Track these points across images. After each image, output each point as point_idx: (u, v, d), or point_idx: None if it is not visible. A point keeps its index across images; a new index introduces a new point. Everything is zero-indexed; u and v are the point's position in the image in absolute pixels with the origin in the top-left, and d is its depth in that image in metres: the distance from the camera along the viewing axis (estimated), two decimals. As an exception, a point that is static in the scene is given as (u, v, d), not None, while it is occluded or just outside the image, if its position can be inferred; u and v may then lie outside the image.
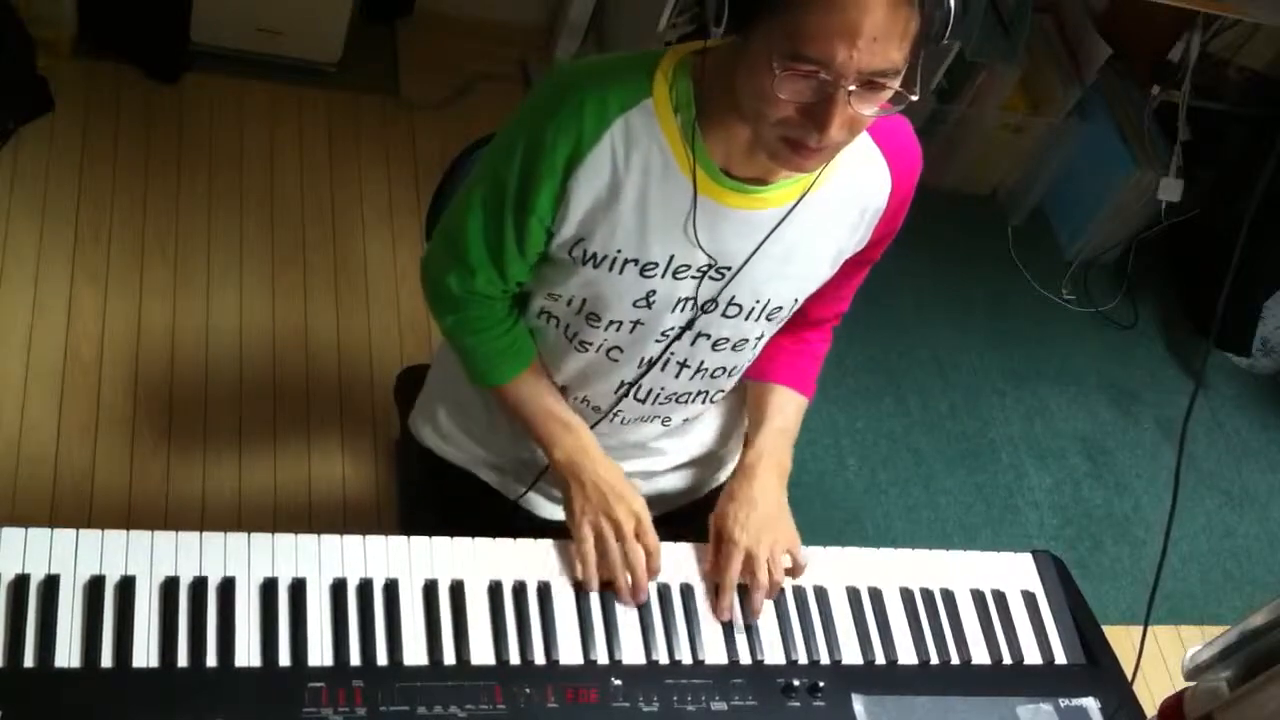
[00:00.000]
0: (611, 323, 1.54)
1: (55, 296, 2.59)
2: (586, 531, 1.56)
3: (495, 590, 1.50)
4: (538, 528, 1.76)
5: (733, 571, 1.57)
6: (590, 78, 1.41)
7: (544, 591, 1.52)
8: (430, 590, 1.47)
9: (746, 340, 1.60)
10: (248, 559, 1.43)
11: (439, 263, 1.58)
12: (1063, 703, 1.60)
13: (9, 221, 2.66)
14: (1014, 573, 1.74)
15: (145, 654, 1.33)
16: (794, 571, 1.62)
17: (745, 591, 1.59)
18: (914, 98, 1.27)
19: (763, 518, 1.61)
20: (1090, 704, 1.62)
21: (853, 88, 1.23)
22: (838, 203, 1.49)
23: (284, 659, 1.37)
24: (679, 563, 1.60)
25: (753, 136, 1.36)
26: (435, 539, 1.52)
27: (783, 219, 1.46)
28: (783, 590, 1.61)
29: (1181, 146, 3.41)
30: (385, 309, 2.82)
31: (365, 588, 1.45)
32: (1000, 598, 1.70)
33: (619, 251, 1.46)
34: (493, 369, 1.63)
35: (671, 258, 1.47)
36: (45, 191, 2.74)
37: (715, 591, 1.58)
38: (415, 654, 1.42)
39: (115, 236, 2.72)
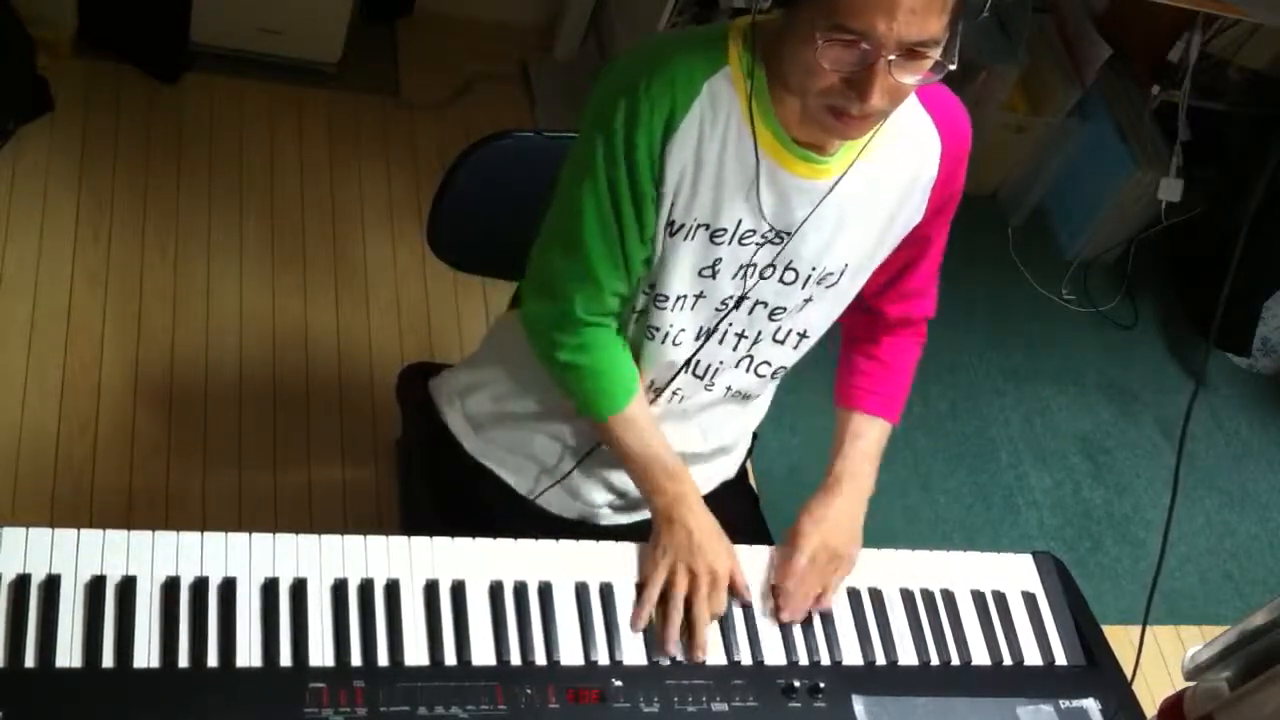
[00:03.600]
0: (678, 299, 1.54)
1: (55, 296, 2.59)
2: (660, 575, 1.54)
3: (496, 590, 1.49)
4: (541, 528, 1.75)
5: (794, 578, 1.58)
6: (673, 48, 1.43)
7: (545, 591, 1.51)
8: (431, 590, 1.47)
9: (801, 309, 1.60)
10: (249, 559, 1.43)
11: (559, 288, 1.55)
12: (1063, 703, 1.60)
13: (9, 221, 2.66)
14: (1014, 573, 1.74)
15: (146, 654, 1.33)
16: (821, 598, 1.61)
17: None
18: (952, 67, 1.31)
19: (835, 527, 1.62)
20: (1090, 705, 1.62)
21: (893, 57, 1.27)
22: (889, 168, 1.51)
23: (285, 659, 1.37)
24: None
25: (800, 108, 1.40)
26: (436, 539, 1.52)
27: (836, 182, 1.48)
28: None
29: (1181, 146, 3.41)
30: (385, 309, 2.82)
31: (366, 588, 1.45)
32: (1000, 598, 1.70)
33: (695, 219, 1.48)
34: (604, 397, 1.60)
35: (739, 223, 1.49)
36: (45, 191, 2.74)
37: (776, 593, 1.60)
38: (416, 654, 1.42)
39: (115, 236, 2.72)
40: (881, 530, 2.85)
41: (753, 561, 1.63)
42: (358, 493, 2.52)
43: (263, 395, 2.59)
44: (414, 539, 1.51)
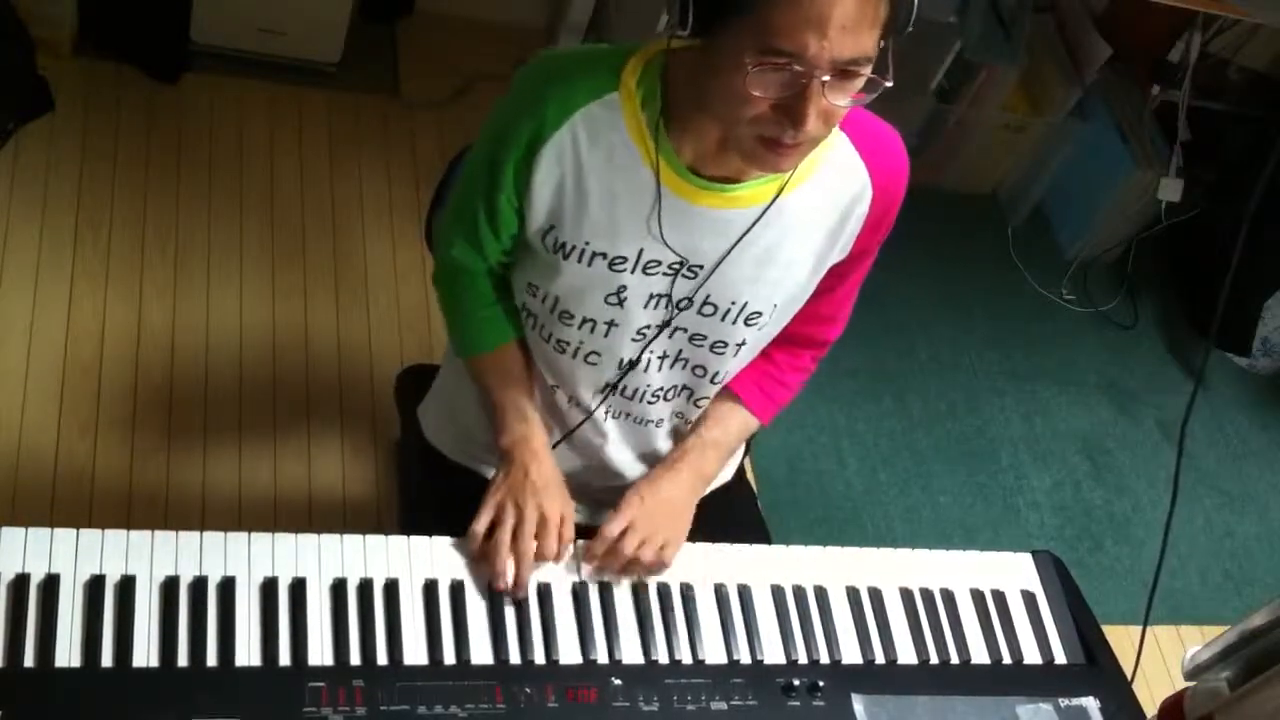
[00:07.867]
0: (585, 320, 1.54)
1: (55, 296, 2.59)
2: (486, 512, 1.54)
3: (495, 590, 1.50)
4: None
5: (609, 531, 1.55)
6: (560, 69, 1.44)
7: (544, 591, 1.52)
8: (430, 590, 1.47)
9: (726, 344, 1.58)
10: (248, 559, 1.43)
11: (447, 227, 1.63)
12: (1063, 703, 1.60)
13: (9, 221, 2.66)
14: (1014, 573, 1.74)
15: (145, 654, 1.33)
16: (655, 565, 1.57)
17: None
18: (888, 84, 1.28)
19: (661, 505, 1.60)
20: (1090, 704, 1.62)
21: (826, 78, 1.24)
22: (816, 205, 1.48)
23: (284, 659, 1.37)
24: (680, 563, 1.60)
25: (725, 138, 1.37)
26: (435, 539, 1.52)
27: (757, 219, 1.45)
28: (782, 590, 1.61)
29: (1181, 146, 3.41)
30: (385, 309, 2.82)
31: (365, 587, 1.45)
32: (1000, 598, 1.70)
33: (587, 243, 1.47)
34: (467, 339, 1.66)
35: (640, 252, 1.47)
36: (45, 191, 2.74)
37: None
38: (415, 654, 1.42)
39: (115, 236, 2.72)
40: (881, 530, 2.89)
41: (753, 560, 1.63)
42: (357, 493, 2.52)
43: (262, 395, 2.59)
44: (413, 539, 1.51)
